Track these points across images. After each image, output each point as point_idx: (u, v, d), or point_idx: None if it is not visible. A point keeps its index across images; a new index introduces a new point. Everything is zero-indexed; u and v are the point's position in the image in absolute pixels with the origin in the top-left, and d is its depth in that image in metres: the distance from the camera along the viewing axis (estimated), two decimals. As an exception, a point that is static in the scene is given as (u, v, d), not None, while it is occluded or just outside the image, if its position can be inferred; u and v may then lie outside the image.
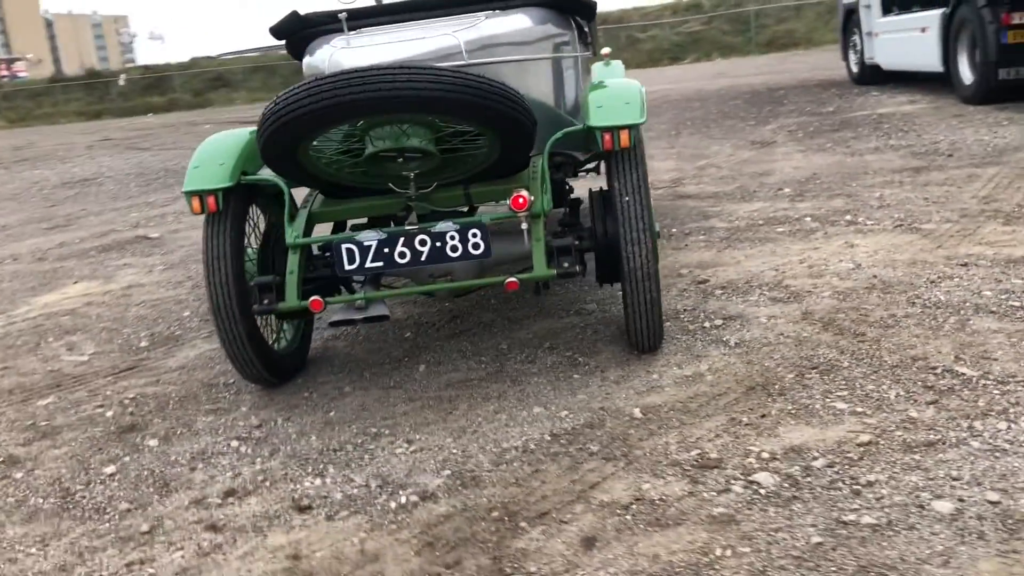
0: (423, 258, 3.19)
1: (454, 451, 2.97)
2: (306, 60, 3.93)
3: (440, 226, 3.18)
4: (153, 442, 3.35)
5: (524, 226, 3.18)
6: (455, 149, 3.23)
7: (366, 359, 4.00)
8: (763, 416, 2.92)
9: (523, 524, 2.46)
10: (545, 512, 2.51)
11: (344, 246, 3.21)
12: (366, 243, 3.19)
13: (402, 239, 3.19)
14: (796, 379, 3.19)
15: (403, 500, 2.68)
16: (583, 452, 2.85)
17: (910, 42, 11.73)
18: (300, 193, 3.61)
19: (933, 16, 10.81)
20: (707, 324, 3.86)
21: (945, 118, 9.23)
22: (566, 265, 3.18)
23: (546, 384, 3.44)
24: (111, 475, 3.11)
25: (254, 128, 3.61)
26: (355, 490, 2.78)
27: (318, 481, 2.87)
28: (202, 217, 3.45)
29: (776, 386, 3.15)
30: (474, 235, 3.15)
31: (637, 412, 3.08)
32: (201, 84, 43.51)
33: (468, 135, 3.18)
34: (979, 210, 5.30)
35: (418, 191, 3.28)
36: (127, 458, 3.24)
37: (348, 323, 3.26)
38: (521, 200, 3.12)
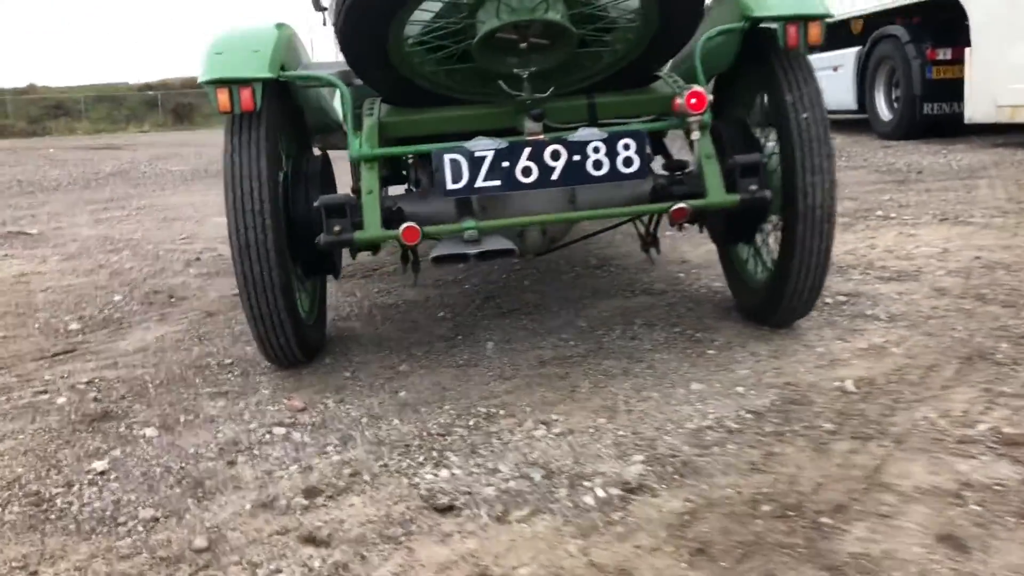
0: (555, 176, 2.35)
1: (622, 434, 2.12)
2: None
3: (581, 134, 2.35)
4: (150, 431, 2.32)
5: (695, 135, 2.40)
6: (588, 39, 2.43)
7: (402, 338, 3.08)
8: None
9: (825, 520, 1.64)
10: (842, 504, 1.70)
11: (448, 156, 2.33)
12: (478, 153, 2.33)
13: (528, 150, 2.34)
14: (1013, 347, 2.52)
15: (600, 494, 1.81)
16: (815, 430, 2.06)
17: (822, 81, 11.74)
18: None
19: (848, 55, 10.78)
20: (828, 301, 3.16)
21: (875, 149, 9.07)
22: (753, 189, 2.40)
23: (678, 361, 2.63)
24: (103, 473, 2.07)
25: (280, 22, 2.70)
26: (511, 483, 1.89)
27: (444, 473, 1.96)
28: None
29: (997, 355, 2.47)
30: (626, 146, 2.34)
31: (850, 385, 2.32)
32: (38, 111, 40.38)
33: (604, 20, 2.39)
34: (1018, 208, 4.90)
35: (532, 97, 2.44)
36: (118, 452, 2.20)
37: (457, 260, 2.35)
38: (695, 100, 2.34)
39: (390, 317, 3.41)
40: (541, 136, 2.36)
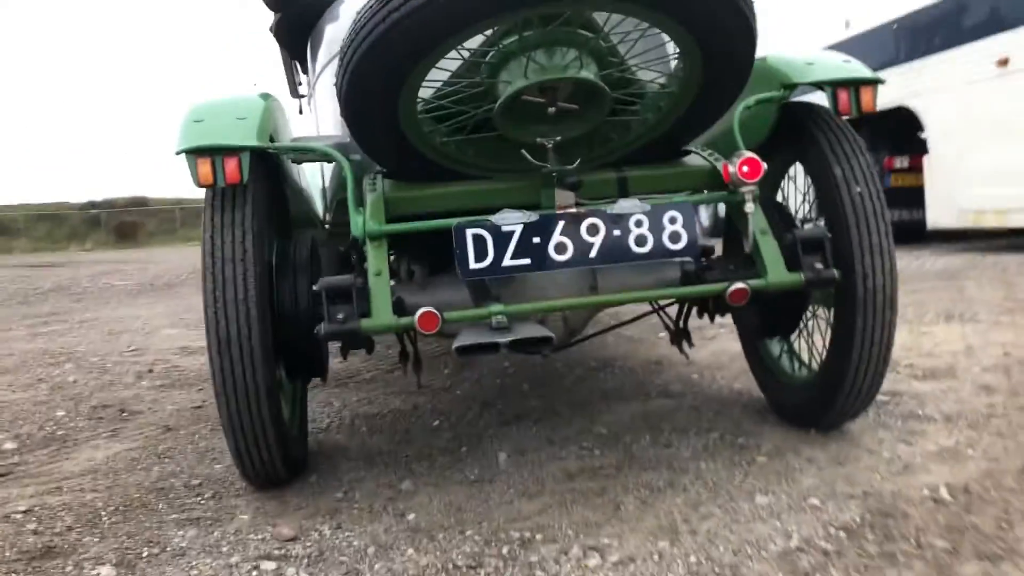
0: (593, 253, 2.03)
1: (694, 560, 1.74)
2: None
3: (621, 206, 2.05)
4: (105, 571, 1.88)
5: (749, 207, 2.11)
6: (617, 108, 2.16)
7: (397, 451, 2.68)
8: None
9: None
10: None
11: (471, 232, 2.00)
12: (506, 228, 2.01)
13: (562, 224, 2.03)
14: (1108, 448, 2.22)
15: (696, 640, 1.42)
16: (929, 550, 1.71)
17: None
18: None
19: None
20: (869, 400, 2.85)
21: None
22: (818, 267, 2.10)
23: (728, 470, 2.28)
24: (46, 628, 1.63)
25: (265, 92, 2.40)
26: (576, 629, 1.49)
27: (486, 617, 1.55)
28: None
29: (1095, 457, 2.16)
30: (672, 220, 2.04)
31: (944, 493, 1.98)
32: (-28, 228, 39.38)
33: (636, 85, 2.14)
34: (1021, 306, 4.71)
35: (559, 168, 2.15)
36: (64, 599, 1.76)
37: (486, 350, 1.99)
38: (748, 168, 2.06)
39: (378, 428, 3.01)
40: (576, 208, 2.06)
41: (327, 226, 3.24)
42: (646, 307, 2.96)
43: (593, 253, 2.02)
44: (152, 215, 40.14)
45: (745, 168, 2.06)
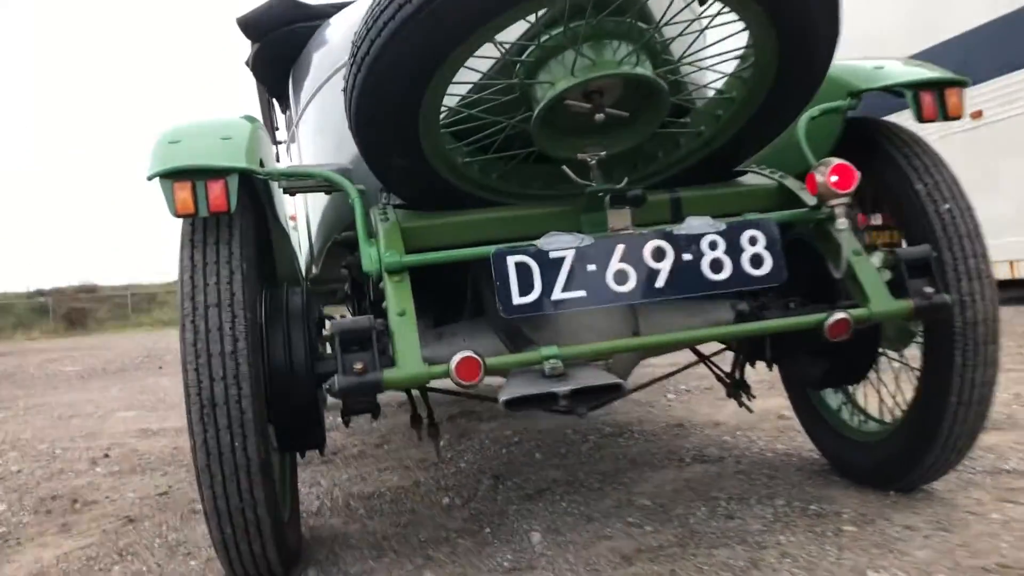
0: (660, 283, 1.68)
1: (829, 660, 1.35)
2: None
3: (691, 225, 1.71)
4: None
5: (842, 224, 1.78)
6: (670, 114, 1.84)
7: (406, 535, 2.27)
8: None
9: None
10: None
11: (513, 260, 1.64)
12: (555, 254, 1.65)
13: (622, 248, 1.68)
14: None
15: None
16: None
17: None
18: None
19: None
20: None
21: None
22: (928, 291, 1.77)
23: (816, 544, 1.91)
24: None
25: (249, 115, 2.05)
26: None
27: None
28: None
29: None
30: (752, 240, 1.71)
31: (1109, 563, 1.63)
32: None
33: (686, 92, 1.82)
34: (1044, 354, 4.46)
35: (607, 188, 1.81)
36: None
37: (540, 403, 1.60)
38: (839, 177, 1.75)
39: (377, 509, 2.59)
40: (635, 229, 1.71)
41: (308, 282, 2.86)
42: (689, 355, 2.60)
43: (660, 282, 1.67)
44: (102, 301, 39.08)
45: (835, 178, 1.74)
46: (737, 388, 2.37)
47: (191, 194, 1.70)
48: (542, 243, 1.65)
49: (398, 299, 1.65)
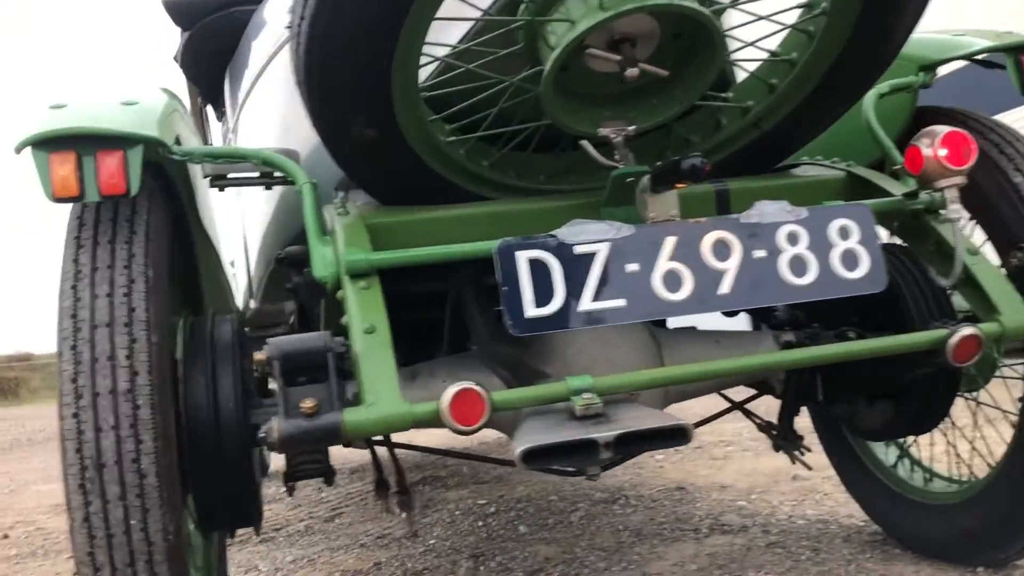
0: (725, 288, 1.23)
1: None
2: None
3: (762, 211, 1.27)
4: None
5: (954, 210, 1.36)
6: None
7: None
8: None
9: None
10: None
11: (525, 256, 1.18)
12: (582, 248, 1.20)
13: (674, 240, 1.23)
14: None
15: None
16: None
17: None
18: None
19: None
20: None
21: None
22: None
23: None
24: None
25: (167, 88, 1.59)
26: None
27: None
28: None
29: None
30: (843, 232, 1.27)
31: None
32: None
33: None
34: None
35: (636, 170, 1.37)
36: None
37: (575, 454, 1.12)
38: (949, 150, 1.33)
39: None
40: (693, 218, 1.27)
41: (246, 316, 2.37)
42: (710, 403, 2.14)
43: (725, 287, 1.22)
44: (37, 370, 37.57)
45: (944, 151, 1.32)
46: (786, 440, 1.91)
47: (75, 171, 1.22)
48: (565, 233, 1.20)
49: (365, 311, 1.17)
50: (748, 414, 1.97)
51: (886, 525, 2.06)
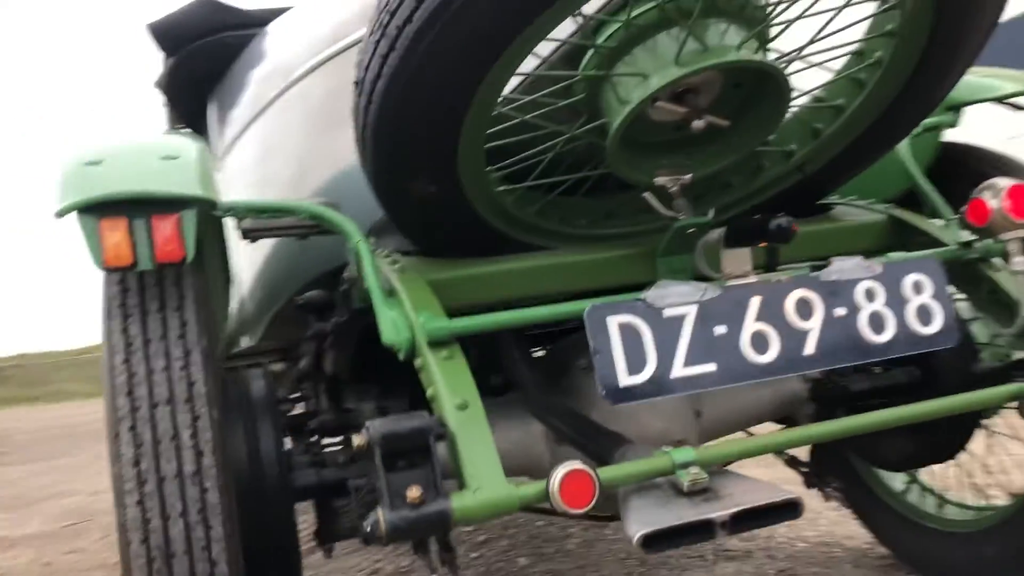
0: (810, 349, 1.21)
1: None
2: None
3: (841, 268, 1.26)
4: None
5: (1018, 262, 1.37)
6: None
7: None
8: None
9: None
10: None
11: (616, 320, 1.15)
12: (671, 311, 1.17)
13: (759, 301, 1.21)
14: None
15: None
16: None
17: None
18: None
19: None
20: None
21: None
22: None
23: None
24: None
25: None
26: None
27: None
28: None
29: None
30: (916, 287, 1.27)
31: None
32: None
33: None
34: None
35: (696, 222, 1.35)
36: None
37: (690, 536, 1.08)
38: (1012, 202, 1.34)
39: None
40: (768, 276, 1.25)
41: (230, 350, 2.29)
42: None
43: (811, 348, 1.21)
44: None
45: (1008, 202, 1.33)
46: (818, 477, 1.91)
47: (127, 237, 1.14)
48: (652, 296, 1.17)
49: (454, 385, 1.12)
50: (783, 455, 1.97)
51: (899, 551, 2.09)
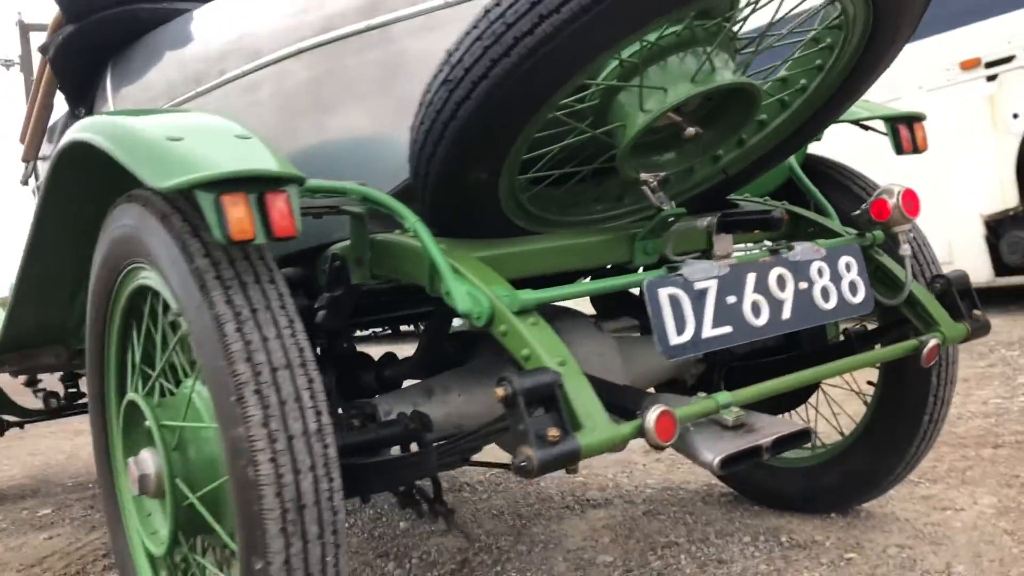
0: (786, 314, 1.54)
1: None
2: None
3: (800, 251, 1.59)
4: None
5: (906, 250, 1.77)
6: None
7: None
8: None
9: None
10: None
11: (666, 292, 1.40)
12: (699, 284, 1.44)
13: (753, 276, 1.51)
14: None
15: None
16: None
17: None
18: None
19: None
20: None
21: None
22: (978, 314, 1.82)
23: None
24: None
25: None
26: None
27: None
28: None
29: None
30: (847, 267, 1.65)
31: None
32: None
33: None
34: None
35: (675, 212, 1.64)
36: None
37: (748, 458, 1.35)
38: (910, 203, 1.75)
39: None
40: (752, 255, 1.56)
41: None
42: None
43: (787, 314, 1.53)
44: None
45: (902, 202, 1.74)
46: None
47: (248, 213, 1.21)
48: (687, 272, 1.43)
49: (548, 347, 1.31)
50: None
51: (745, 489, 2.51)
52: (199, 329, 1.26)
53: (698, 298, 1.43)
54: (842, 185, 2.16)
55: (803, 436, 1.40)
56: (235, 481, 1.22)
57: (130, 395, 1.57)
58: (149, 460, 1.49)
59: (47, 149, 2.73)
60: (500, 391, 1.20)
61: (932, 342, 1.68)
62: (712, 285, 1.45)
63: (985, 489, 2.34)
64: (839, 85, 1.71)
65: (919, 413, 2.06)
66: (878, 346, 1.90)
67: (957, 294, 1.80)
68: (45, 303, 2.25)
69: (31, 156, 2.73)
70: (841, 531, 2.16)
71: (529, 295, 1.36)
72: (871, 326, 2.00)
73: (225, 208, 1.20)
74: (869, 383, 2.18)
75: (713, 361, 2.14)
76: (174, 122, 1.35)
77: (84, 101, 2.28)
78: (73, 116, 2.39)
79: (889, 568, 1.90)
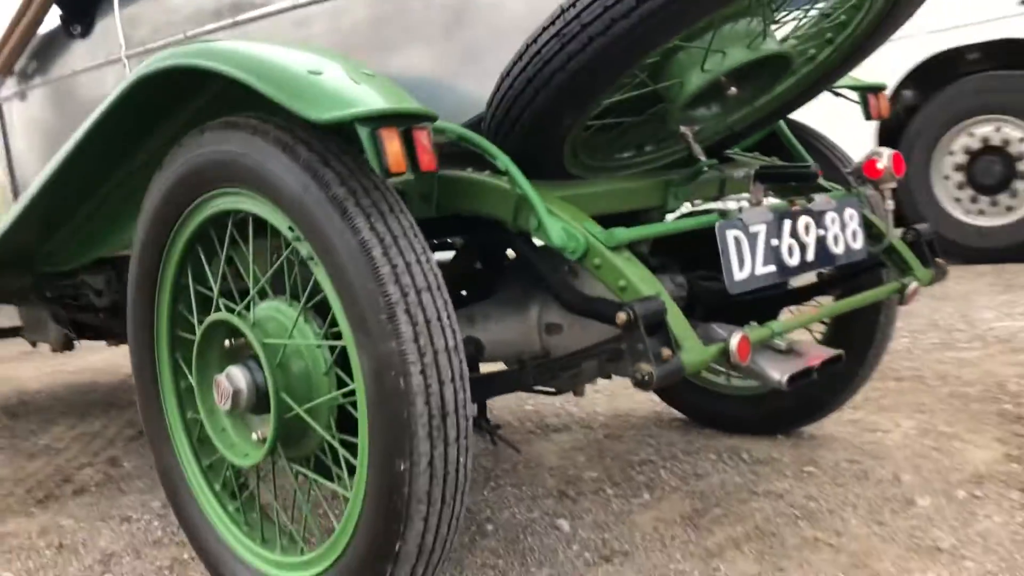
0: (810, 256, 1.79)
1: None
2: None
3: (819, 201, 1.84)
4: None
5: (890, 204, 2.04)
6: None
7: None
8: None
9: None
10: None
11: (732, 234, 1.61)
12: (753, 228, 1.66)
13: (789, 223, 1.75)
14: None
15: None
16: None
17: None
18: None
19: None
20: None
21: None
22: (941, 262, 2.11)
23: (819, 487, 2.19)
24: None
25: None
26: None
27: None
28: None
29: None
30: (851, 217, 1.91)
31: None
32: None
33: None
34: None
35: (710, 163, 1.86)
36: None
37: (806, 376, 1.59)
38: (895, 164, 2.01)
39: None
40: (786, 204, 1.79)
41: None
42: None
43: (810, 255, 1.78)
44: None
45: (891, 163, 2.00)
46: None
47: (402, 147, 1.33)
48: (746, 217, 1.64)
49: (644, 279, 1.49)
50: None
51: (695, 414, 2.78)
52: (343, 253, 1.36)
53: (752, 240, 1.64)
54: (817, 149, 2.41)
55: (840, 359, 1.66)
56: (379, 391, 1.34)
57: (217, 315, 1.64)
58: (240, 376, 1.58)
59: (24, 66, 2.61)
60: (622, 316, 1.38)
61: (914, 284, 1.97)
62: (763, 229, 1.66)
63: (901, 415, 2.70)
64: (843, 57, 1.94)
65: (867, 345, 2.37)
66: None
67: (925, 244, 2.10)
68: (40, 227, 2.22)
69: (4, 71, 2.60)
70: (792, 449, 2.46)
71: (623, 232, 1.53)
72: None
73: (384, 142, 1.30)
74: (821, 321, 2.47)
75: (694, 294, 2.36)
76: (302, 55, 1.42)
77: (82, 18, 2.24)
78: (67, 33, 2.33)
79: (847, 478, 2.21)
